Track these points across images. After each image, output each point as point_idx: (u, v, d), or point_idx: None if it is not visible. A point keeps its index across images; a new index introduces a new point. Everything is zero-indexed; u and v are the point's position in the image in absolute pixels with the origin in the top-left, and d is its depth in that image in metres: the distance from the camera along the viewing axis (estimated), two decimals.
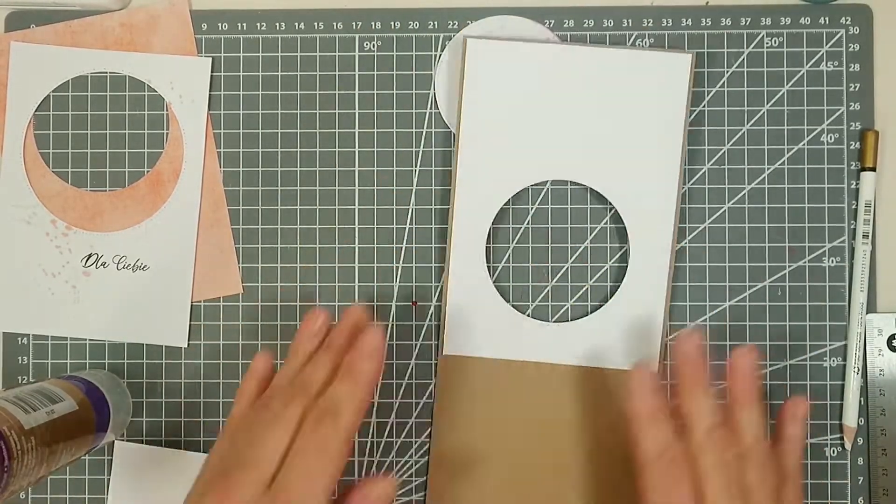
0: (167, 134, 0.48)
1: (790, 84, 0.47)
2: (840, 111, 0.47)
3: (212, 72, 0.48)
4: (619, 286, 0.46)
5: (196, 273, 0.48)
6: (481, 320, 0.46)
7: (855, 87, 0.47)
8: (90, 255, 0.48)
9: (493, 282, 0.47)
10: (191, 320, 0.48)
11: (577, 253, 0.47)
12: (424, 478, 0.47)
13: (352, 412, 0.36)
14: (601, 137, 0.46)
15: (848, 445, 0.46)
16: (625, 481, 0.44)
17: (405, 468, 0.48)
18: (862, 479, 0.47)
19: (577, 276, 0.47)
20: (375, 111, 0.48)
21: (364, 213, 0.48)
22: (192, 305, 0.48)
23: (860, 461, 0.47)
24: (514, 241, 0.47)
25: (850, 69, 0.48)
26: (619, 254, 0.47)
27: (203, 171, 0.48)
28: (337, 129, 0.48)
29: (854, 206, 0.47)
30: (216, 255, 0.48)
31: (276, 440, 0.35)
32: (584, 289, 0.47)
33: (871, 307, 0.47)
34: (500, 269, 0.47)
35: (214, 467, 0.37)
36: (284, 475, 0.35)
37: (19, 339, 0.48)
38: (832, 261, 0.47)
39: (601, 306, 0.47)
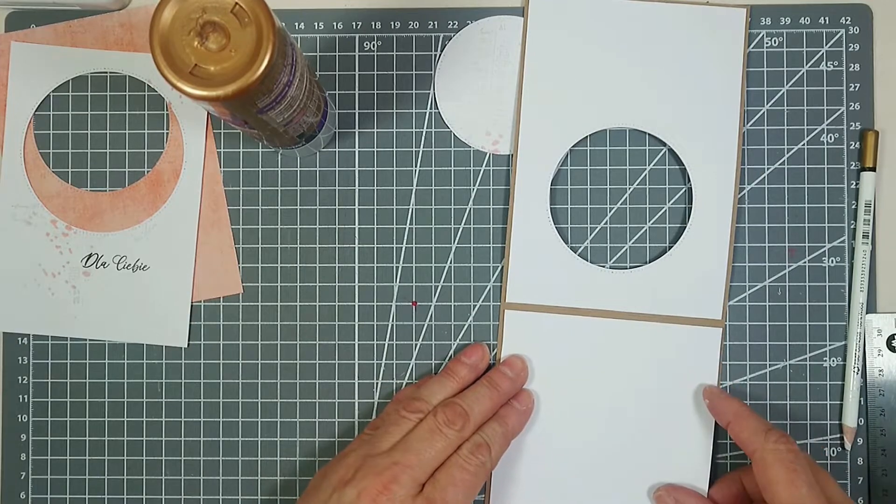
0: (167, 134, 0.48)
1: (790, 84, 0.47)
2: (840, 111, 0.47)
3: None
4: (679, 238, 0.47)
5: (196, 273, 0.48)
6: (542, 268, 0.47)
7: (855, 87, 0.47)
8: (90, 255, 0.48)
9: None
10: (191, 320, 0.48)
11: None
12: None
13: (499, 450, 0.42)
14: (662, 87, 0.47)
15: (848, 446, 0.46)
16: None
17: None
18: (862, 479, 0.47)
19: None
20: (375, 111, 0.48)
21: (364, 213, 0.48)
22: (192, 305, 0.48)
23: (860, 461, 0.47)
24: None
25: (850, 69, 0.48)
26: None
27: (203, 171, 0.48)
28: (337, 129, 0.48)
29: (854, 206, 0.47)
30: (216, 255, 0.48)
31: (435, 451, 0.40)
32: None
33: (870, 307, 0.47)
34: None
35: (363, 458, 0.40)
36: (440, 483, 0.39)
37: (19, 339, 0.48)
38: (832, 261, 0.47)
39: (660, 256, 0.47)
